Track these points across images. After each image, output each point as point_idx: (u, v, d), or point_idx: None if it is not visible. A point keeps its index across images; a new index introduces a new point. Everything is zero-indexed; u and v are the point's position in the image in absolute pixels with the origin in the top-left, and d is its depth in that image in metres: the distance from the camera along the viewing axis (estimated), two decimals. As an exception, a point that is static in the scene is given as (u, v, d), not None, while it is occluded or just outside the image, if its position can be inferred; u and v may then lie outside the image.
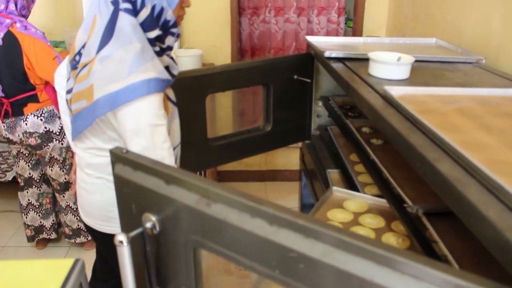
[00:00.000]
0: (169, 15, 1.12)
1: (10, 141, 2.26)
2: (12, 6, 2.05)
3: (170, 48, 1.21)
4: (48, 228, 2.48)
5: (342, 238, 0.61)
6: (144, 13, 1.08)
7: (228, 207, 0.73)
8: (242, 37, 3.10)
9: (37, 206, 2.43)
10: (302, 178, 2.28)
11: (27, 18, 2.16)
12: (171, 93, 1.26)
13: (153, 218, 0.85)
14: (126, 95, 1.03)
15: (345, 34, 3.16)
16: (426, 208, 0.98)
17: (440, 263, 0.56)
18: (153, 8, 1.09)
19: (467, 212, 0.66)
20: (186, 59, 2.51)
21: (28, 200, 2.41)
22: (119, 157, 0.90)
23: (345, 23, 3.15)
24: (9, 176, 2.67)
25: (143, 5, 1.07)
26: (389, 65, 1.25)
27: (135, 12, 1.07)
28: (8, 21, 2.03)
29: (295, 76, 1.85)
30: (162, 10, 1.10)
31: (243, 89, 3.06)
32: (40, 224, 2.46)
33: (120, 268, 0.84)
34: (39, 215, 2.44)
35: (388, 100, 1.08)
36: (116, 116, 1.07)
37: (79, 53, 1.14)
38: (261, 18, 3.03)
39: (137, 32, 1.07)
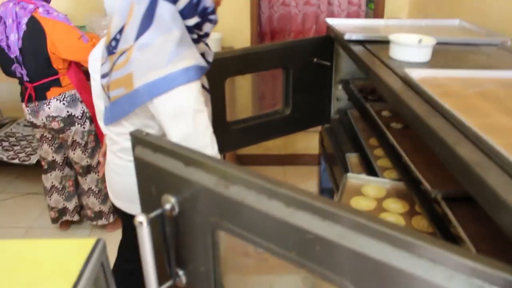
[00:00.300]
0: (208, 2, 1.11)
1: (34, 125, 2.31)
2: None
3: (207, 35, 1.20)
4: (71, 210, 2.54)
5: (359, 221, 0.62)
6: (183, 1, 1.07)
7: (246, 189, 0.74)
8: (262, 20, 3.08)
9: (60, 189, 2.49)
10: (322, 162, 2.28)
11: (49, 3, 2.18)
12: (204, 81, 1.27)
13: (172, 200, 0.87)
14: (166, 83, 1.03)
15: (366, 16, 3.10)
16: (445, 192, 0.98)
17: (455, 246, 0.56)
18: None
19: (486, 197, 0.65)
20: (206, 42, 2.51)
21: (52, 182, 2.47)
22: (139, 140, 0.91)
23: (367, 5, 3.09)
24: (33, 160, 2.73)
25: None
26: (410, 48, 1.23)
27: (173, 1, 1.06)
28: (31, 6, 2.05)
29: (315, 59, 1.83)
30: None
31: (263, 73, 3.05)
32: (63, 206, 2.52)
33: (140, 248, 0.86)
34: (62, 198, 2.50)
35: (408, 83, 1.06)
36: (155, 105, 1.07)
37: (115, 39, 1.15)
38: (280, 1, 2.99)
39: (177, 20, 1.07)
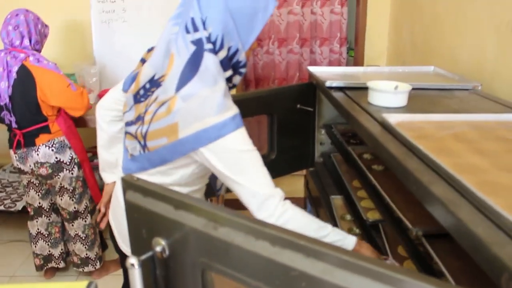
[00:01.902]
0: (242, 56, 1.13)
1: (21, 171, 2.32)
2: (26, 42, 2.15)
3: (235, 86, 1.23)
4: (56, 257, 2.51)
5: (341, 257, 0.65)
6: (222, 54, 1.09)
7: (234, 230, 0.77)
8: (246, 68, 3.18)
9: (46, 235, 2.47)
10: (307, 205, 2.31)
11: (40, 52, 2.25)
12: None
13: (163, 242, 0.89)
14: (216, 132, 1.04)
15: (348, 63, 3.24)
16: (425, 230, 1.02)
17: (436, 279, 0.59)
18: (228, 49, 1.10)
19: (460, 232, 0.69)
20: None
21: (38, 229, 2.46)
22: (130, 184, 0.95)
23: (347, 53, 3.24)
24: (19, 206, 2.72)
25: (221, 46, 1.08)
26: (387, 94, 1.31)
27: (215, 52, 1.08)
28: (22, 55, 2.12)
29: (298, 105, 1.91)
30: (236, 51, 1.11)
31: (248, 119, 3.12)
32: (48, 253, 2.49)
33: (131, 291, 0.88)
34: (48, 244, 2.48)
35: (386, 127, 1.13)
36: (204, 152, 1.07)
37: (144, 87, 1.17)
38: (264, 49, 3.11)
39: (220, 72, 1.08)
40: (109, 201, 1.51)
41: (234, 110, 1.07)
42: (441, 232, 1.01)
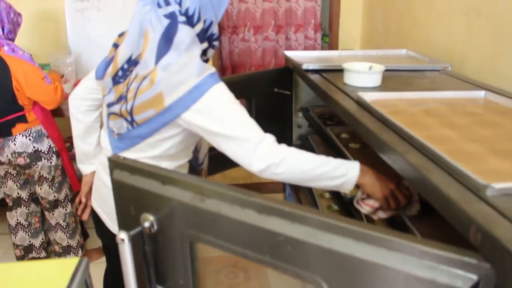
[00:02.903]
0: (215, 28, 1.19)
1: None
2: None
3: (207, 60, 1.27)
4: (37, 247, 2.50)
5: (323, 220, 0.70)
6: (198, 27, 1.14)
7: (220, 201, 0.81)
8: (223, 55, 3.21)
9: (26, 226, 2.46)
10: (287, 188, 2.37)
11: (13, 41, 2.22)
12: None
13: (151, 218, 0.93)
14: (199, 90, 1.07)
15: (322, 49, 3.29)
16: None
17: (407, 235, 0.65)
18: (204, 21, 1.14)
19: (432, 194, 0.75)
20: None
21: (17, 219, 2.44)
22: (117, 163, 0.97)
23: (322, 39, 3.29)
24: (-4, 198, 2.69)
25: (199, 19, 1.13)
26: (361, 74, 1.36)
27: (191, 25, 1.12)
28: None
29: (276, 89, 1.95)
30: (211, 24, 1.16)
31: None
32: (29, 243, 2.48)
33: (122, 266, 0.90)
34: (28, 235, 2.47)
35: (362, 104, 1.18)
36: (191, 113, 1.09)
37: (122, 68, 1.19)
38: (240, 37, 3.14)
39: (196, 42, 1.13)
40: (89, 191, 1.52)
41: (212, 69, 1.11)
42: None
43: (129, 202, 0.97)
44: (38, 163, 2.24)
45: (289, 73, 1.97)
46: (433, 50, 1.96)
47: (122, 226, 1.02)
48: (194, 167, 1.50)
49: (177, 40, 1.11)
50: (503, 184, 0.69)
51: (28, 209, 2.45)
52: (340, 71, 1.49)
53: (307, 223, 0.72)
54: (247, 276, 2.46)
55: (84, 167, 1.53)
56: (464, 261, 0.60)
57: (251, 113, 1.94)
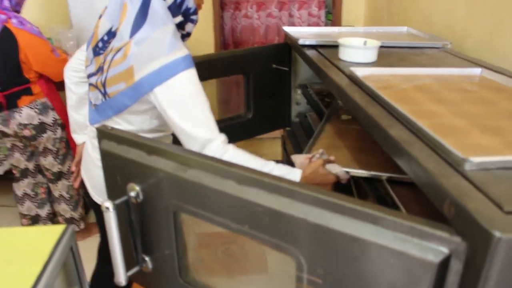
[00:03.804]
0: (190, 2, 1.20)
1: (4, 134, 2.32)
2: (6, 3, 2.12)
3: (189, 34, 1.28)
4: (43, 217, 2.55)
5: (299, 191, 0.70)
6: (169, 0, 1.15)
7: (202, 171, 0.82)
8: (225, 31, 3.18)
9: (32, 196, 2.50)
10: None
11: (19, 13, 2.22)
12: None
13: (137, 188, 0.94)
14: (168, 71, 1.08)
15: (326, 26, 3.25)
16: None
17: (380, 206, 0.65)
18: None
19: (411, 166, 0.75)
20: (170, 52, 2.59)
21: (24, 190, 2.49)
22: (104, 133, 0.98)
23: (326, 16, 3.24)
24: (0, 171, 2.72)
25: None
26: (356, 49, 1.34)
27: None
28: (3, 16, 2.09)
29: (274, 65, 1.93)
30: None
31: (227, 79, 3.14)
32: (36, 213, 2.53)
33: (107, 234, 0.92)
34: (34, 205, 2.52)
35: (353, 79, 1.17)
36: (157, 94, 1.11)
37: (102, 40, 1.21)
38: (243, 13, 3.11)
39: (169, 15, 1.14)
40: (80, 160, 1.54)
41: (184, 51, 1.12)
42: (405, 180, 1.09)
43: (116, 171, 0.98)
44: (43, 135, 2.27)
45: (288, 49, 1.95)
46: (435, 27, 1.93)
47: (110, 195, 1.03)
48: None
49: (151, 12, 1.12)
50: (482, 158, 0.68)
51: (35, 180, 2.49)
52: (336, 47, 1.47)
53: (284, 194, 0.72)
54: (244, 253, 2.49)
55: (77, 137, 1.56)
56: (436, 234, 0.60)
57: (248, 89, 1.94)
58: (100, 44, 1.22)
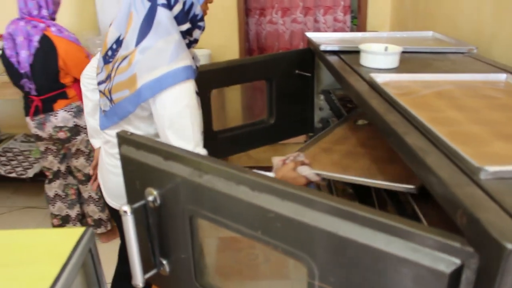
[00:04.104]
0: (197, 9, 1.23)
1: (38, 138, 2.41)
2: (44, 12, 2.22)
3: (196, 40, 1.31)
4: (73, 218, 2.63)
5: (310, 198, 0.70)
6: (177, 8, 1.18)
7: (217, 177, 0.83)
8: (250, 37, 3.20)
9: (63, 197, 2.59)
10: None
11: (55, 21, 2.31)
12: (195, 85, 1.37)
13: (155, 192, 0.95)
14: (168, 80, 1.12)
15: (352, 32, 3.23)
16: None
17: (393, 215, 0.64)
18: (184, 3, 1.19)
19: (425, 175, 0.74)
20: (195, 58, 2.62)
21: (55, 191, 2.58)
22: (124, 139, 1.00)
23: (351, 21, 3.23)
24: (30, 173, 2.82)
25: (176, 1, 1.18)
26: (377, 55, 1.33)
27: (169, 7, 1.17)
28: (42, 25, 2.19)
29: (296, 71, 1.93)
30: (192, 5, 1.21)
31: (251, 84, 3.16)
32: (66, 213, 2.62)
33: (125, 237, 0.94)
34: (65, 205, 2.60)
35: (373, 86, 1.16)
36: (156, 101, 1.15)
37: (111, 48, 1.26)
38: (268, 19, 3.12)
39: (174, 25, 1.17)
40: (97, 165, 1.59)
41: (186, 61, 1.15)
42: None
43: (135, 176, 1.00)
44: (77, 137, 2.36)
45: (311, 55, 1.95)
46: (461, 31, 1.89)
47: (129, 199, 1.05)
48: None
49: (156, 22, 1.15)
50: (498, 167, 0.67)
51: (65, 181, 2.58)
52: (358, 52, 1.46)
53: (296, 201, 0.72)
54: (266, 257, 2.49)
55: (94, 142, 1.62)
56: (448, 244, 0.59)
57: (271, 94, 1.95)
58: (110, 53, 1.27)
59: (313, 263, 0.72)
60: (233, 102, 3.16)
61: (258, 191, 0.77)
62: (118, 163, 1.37)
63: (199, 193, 0.86)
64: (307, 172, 1.24)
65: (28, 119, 2.35)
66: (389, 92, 1.04)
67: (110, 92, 1.24)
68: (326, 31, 3.15)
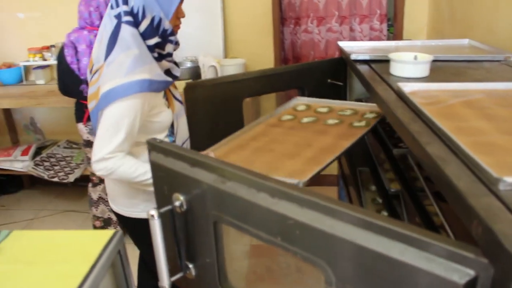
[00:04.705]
0: (166, 24, 1.30)
1: (88, 144, 2.51)
2: (98, 22, 2.34)
3: (170, 54, 1.39)
4: (114, 221, 2.73)
5: (329, 206, 0.71)
6: (144, 23, 1.27)
7: (239, 184, 0.85)
8: (285, 46, 3.22)
9: (106, 200, 2.68)
10: (339, 182, 2.35)
11: None
12: (176, 93, 1.46)
13: (181, 198, 0.99)
14: (122, 91, 1.21)
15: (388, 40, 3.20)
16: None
17: (407, 224, 0.64)
18: (152, 18, 1.27)
19: (443, 185, 0.73)
20: (230, 68, 2.67)
21: (99, 194, 2.68)
22: (153, 146, 1.04)
23: (388, 30, 3.19)
24: (71, 178, 2.93)
25: (143, 16, 1.26)
26: (406, 64, 1.32)
27: (136, 24, 1.25)
28: None
29: (329, 80, 1.94)
30: (160, 20, 1.28)
31: (285, 93, 3.17)
32: (108, 216, 2.71)
33: (152, 240, 0.97)
34: (108, 208, 2.69)
35: (400, 95, 1.15)
36: (108, 109, 1.24)
37: (95, 63, 1.35)
38: (303, 28, 3.13)
39: (137, 40, 1.25)
40: None
41: (143, 75, 1.23)
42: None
43: (163, 182, 1.04)
44: None
45: (343, 64, 1.95)
46: (499, 39, 1.84)
47: (158, 204, 1.09)
48: None
49: (120, 38, 1.24)
50: (518, 178, 0.66)
51: None
52: (388, 61, 1.45)
53: (314, 208, 0.73)
54: (298, 266, 2.48)
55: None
56: (462, 255, 0.59)
57: (303, 103, 1.96)
58: (94, 67, 1.36)
59: (330, 270, 0.73)
60: (268, 110, 3.19)
61: (277, 198, 0.79)
62: None
63: (222, 199, 0.89)
64: None
65: (80, 125, 2.46)
66: (414, 101, 1.03)
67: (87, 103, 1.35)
68: (362, 40, 3.14)
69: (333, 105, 1.76)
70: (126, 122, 1.25)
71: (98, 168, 1.29)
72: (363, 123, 1.54)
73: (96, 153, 1.27)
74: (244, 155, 1.41)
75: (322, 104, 1.79)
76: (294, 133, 1.52)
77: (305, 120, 1.62)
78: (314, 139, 1.46)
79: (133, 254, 1.01)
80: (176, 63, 1.45)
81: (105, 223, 2.73)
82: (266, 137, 1.52)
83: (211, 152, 1.40)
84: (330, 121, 1.58)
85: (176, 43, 1.38)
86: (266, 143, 1.47)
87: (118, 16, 1.26)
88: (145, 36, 1.28)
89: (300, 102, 1.84)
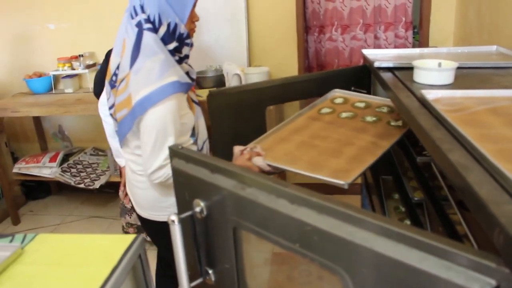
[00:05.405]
0: (182, 29, 1.34)
1: None
2: None
3: (187, 56, 1.43)
4: None
5: (348, 213, 0.71)
6: (162, 30, 1.31)
7: (258, 190, 0.85)
8: (309, 54, 3.22)
9: None
10: (363, 190, 2.33)
11: None
12: (193, 96, 1.51)
13: (202, 204, 1.00)
14: (157, 96, 1.25)
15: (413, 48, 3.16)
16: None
17: (427, 232, 0.64)
18: (168, 24, 1.31)
19: (465, 192, 0.72)
20: (254, 76, 2.69)
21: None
22: (175, 152, 1.06)
23: (413, 37, 3.16)
24: (97, 185, 2.99)
25: (160, 23, 1.30)
26: (430, 71, 1.30)
27: (155, 30, 1.30)
28: None
29: (352, 88, 1.93)
30: (176, 25, 1.32)
31: (308, 101, 3.17)
32: (139, 224, 2.75)
33: (172, 245, 0.98)
34: None
35: (423, 102, 1.14)
36: (146, 115, 1.28)
37: (115, 74, 1.38)
38: (327, 36, 3.13)
39: (159, 45, 1.30)
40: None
41: (172, 77, 1.27)
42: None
43: (184, 188, 1.05)
44: None
45: (367, 71, 1.94)
46: (528, 46, 1.80)
47: (179, 209, 1.10)
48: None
49: (143, 45, 1.28)
50: (542, 186, 0.64)
51: None
52: (412, 69, 1.44)
53: (332, 215, 0.73)
54: (320, 275, 2.46)
55: (119, 160, 1.78)
56: (483, 264, 0.57)
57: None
58: (114, 78, 1.39)
59: (348, 277, 0.73)
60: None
61: (296, 204, 0.79)
62: (141, 179, 1.50)
63: (242, 205, 0.89)
64: (260, 163, 1.33)
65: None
66: (437, 108, 1.02)
67: (115, 112, 1.38)
68: (387, 47, 3.11)
69: (370, 100, 1.75)
70: (171, 126, 1.30)
71: (157, 176, 1.34)
72: (399, 123, 1.53)
73: (152, 162, 1.32)
74: (288, 148, 1.43)
75: (359, 98, 1.79)
76: (335, 129, 1.54)
77: (344, 115, 1.63)
78: (354, 136, 1.47)
79: (151, 259, 1.03)
80: (191, 66, 1.50)
81: (139, 230, 2.77)
82: (308, 131, 1.55)
83: (258, 145, 1.41)
84: (369, 118, 1.57)
85: (191, 45, 1.42)
86: (308, 137, 1.49)
87: (138, 25, 1.30)
88: (164, 41, 1.32)
89: (338, 94, 1.84)
